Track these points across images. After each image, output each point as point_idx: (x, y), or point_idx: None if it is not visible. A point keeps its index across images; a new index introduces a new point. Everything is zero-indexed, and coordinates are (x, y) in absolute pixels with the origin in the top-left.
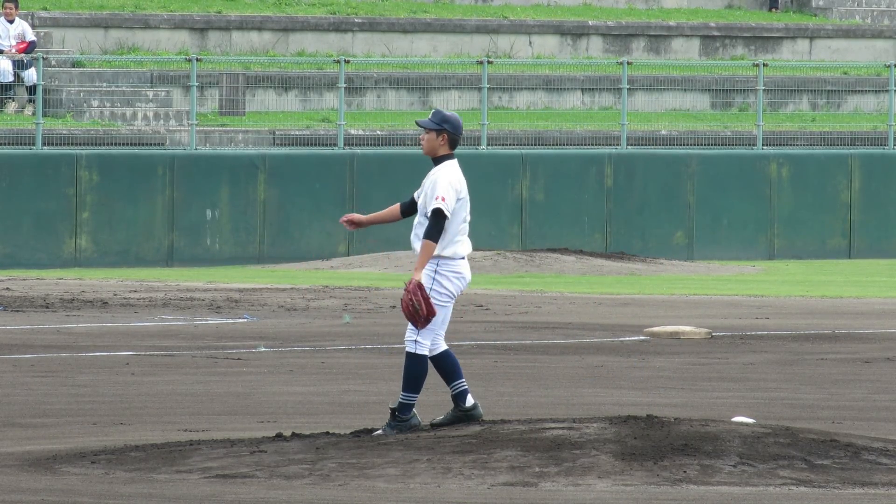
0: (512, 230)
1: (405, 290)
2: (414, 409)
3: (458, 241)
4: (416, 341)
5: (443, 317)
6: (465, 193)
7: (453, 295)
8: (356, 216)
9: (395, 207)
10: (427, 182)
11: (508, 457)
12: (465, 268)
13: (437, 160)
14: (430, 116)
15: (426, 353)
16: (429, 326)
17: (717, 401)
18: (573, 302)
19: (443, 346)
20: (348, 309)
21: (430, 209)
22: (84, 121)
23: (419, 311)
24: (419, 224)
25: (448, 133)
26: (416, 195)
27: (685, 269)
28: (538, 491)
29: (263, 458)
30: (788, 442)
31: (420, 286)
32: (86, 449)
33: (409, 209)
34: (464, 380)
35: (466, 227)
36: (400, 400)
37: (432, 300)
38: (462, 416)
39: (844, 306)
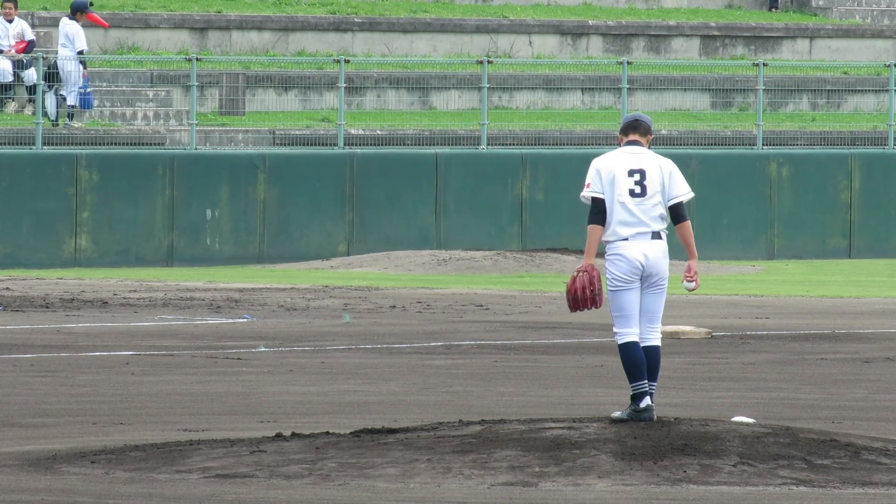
0: (512, 230)
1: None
2: (649, 401)
3: (616, 223)
4: (615, 332)
5: (621, 303)
6: (612, 174)
7: (623, 279)
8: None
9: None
10: None
11: (508, 457)
12: (627, 248)
13: None
14: None
15: (628, 340)
16: (617, 314)
17: (717, 401)
18: None
19: (650, 341)
20: (348, 309)
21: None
22: (84, 121)
23: (581, 296)
24: None
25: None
26: None
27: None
28: (538, 491)
29: (263, 458)
30: (788, 442)
31: (588, 269)
32: (86, 449)
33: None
34: (645, 381)
35: (626, 208)
36: (631, 391)
37: (607, 287)
38: (634, 414)
39: (844, 306)
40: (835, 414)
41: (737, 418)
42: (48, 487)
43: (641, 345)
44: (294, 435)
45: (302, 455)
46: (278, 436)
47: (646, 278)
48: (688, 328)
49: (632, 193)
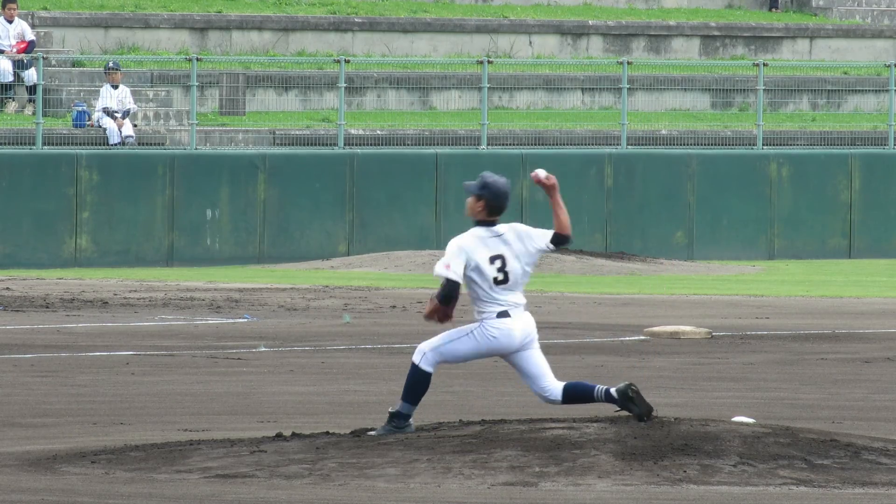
0: None
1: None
2: (411, 420)
3: (488, 302)
4: (424, 353)
5: (465, 354)
6: (475, 262)
7: (494, 349)
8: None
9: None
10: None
11: (508, 457)
12: (511, 324)
13: (476, 224)
14: (478, 179)
15: (430, 369)
16: (450, 356)
17: (717, 401)
18: (573, 302)
19: (561, 385)
20: (348, 309)
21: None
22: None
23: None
24: None
25: (486, 199)
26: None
27: (685, 269)
28: (538, 491)
29: (263, 458)
30: (788, 442)
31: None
32: (86, 449)
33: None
34: (597, 386)
35: (493, 293)
36: (399, 409)
37: (475, 334)
38: (625, 401)
39: (844, 306)
40: (835, 414)
41: (737, 418)
42: (48, 487)
43: (564, 385)
44: (294, 435)
45: (302, 455)
46: (278, 436)
47: (526, 345)
48: (688, 328)
49: (496, 281)
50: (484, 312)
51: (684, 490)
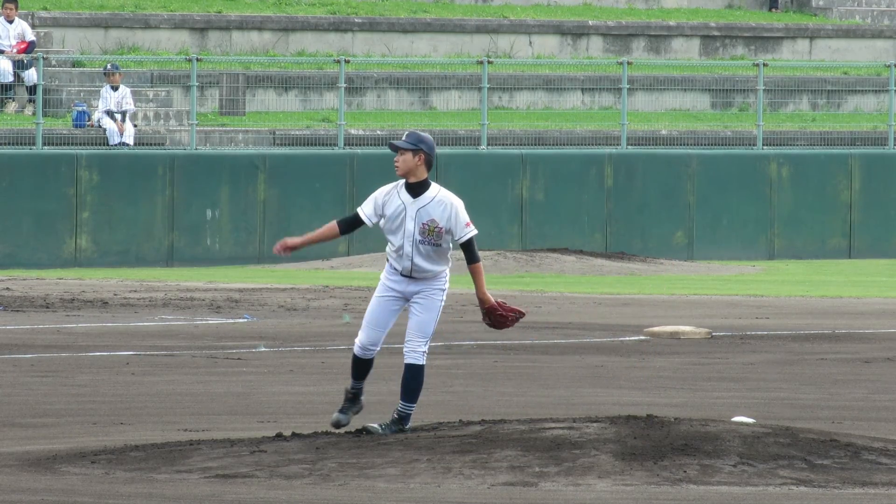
0: (512, 230)
1: (502, 311)
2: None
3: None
4: (424, 353)
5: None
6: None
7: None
8: (290, 240)
9: (333, 225)
10: (436, 207)
11: (508, 457)
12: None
13: (423, 183)
14: (404, 138)
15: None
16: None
17: (717, 401)
18: (573, 302)
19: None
20: (348, 309)
21: (464, 237)
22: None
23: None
24: (432, 250)
25: (424, 153)
26: (368, 216)
27: (685, 269)
28: (538, 491)
29: (263, 458)
30: (788, 442)
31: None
32: (86, 449)
33: (350, 227)
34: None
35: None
36: (404, 410)
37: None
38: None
39: (844, 306)
40: (835, 414)
41: (737, 418)
42: (48, 487)
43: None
44: (294, 435)
45: (302, 455)
46: (278, 436)
47: None
48: (688, 328)
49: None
50: (448, 264)
51: (684, 490)
